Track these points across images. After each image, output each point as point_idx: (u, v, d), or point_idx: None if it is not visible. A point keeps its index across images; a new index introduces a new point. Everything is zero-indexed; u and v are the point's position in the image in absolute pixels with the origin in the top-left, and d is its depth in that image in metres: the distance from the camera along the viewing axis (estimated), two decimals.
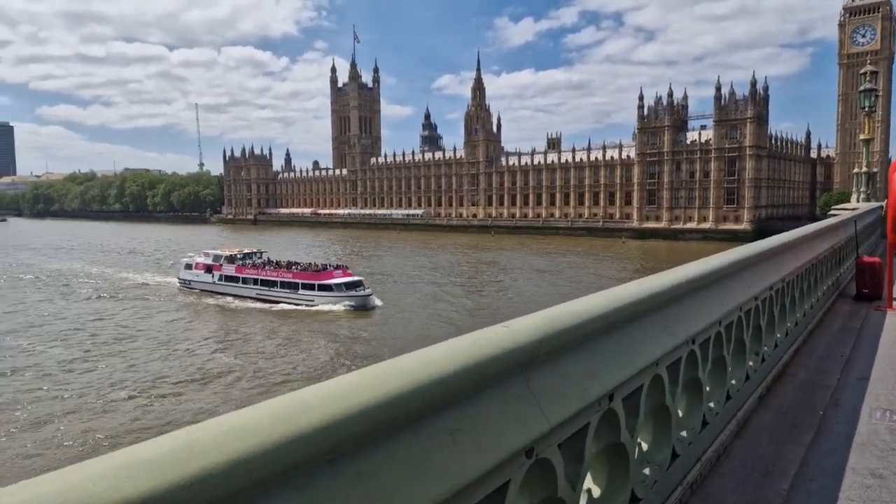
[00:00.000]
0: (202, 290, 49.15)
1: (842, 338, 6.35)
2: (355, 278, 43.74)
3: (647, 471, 2.76)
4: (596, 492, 2.45)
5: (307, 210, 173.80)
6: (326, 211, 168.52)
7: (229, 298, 46.60)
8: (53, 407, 21.70)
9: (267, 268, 47.76)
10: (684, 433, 3.14)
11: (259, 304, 43.89)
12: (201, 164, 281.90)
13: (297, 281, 44.13)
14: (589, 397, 2.09)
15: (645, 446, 2.85)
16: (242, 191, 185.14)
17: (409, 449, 1.34)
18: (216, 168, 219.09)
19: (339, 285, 42.05)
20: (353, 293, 41.62)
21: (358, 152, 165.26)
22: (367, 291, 42.55)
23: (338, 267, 46.76)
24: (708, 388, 3.55)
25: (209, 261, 50.93)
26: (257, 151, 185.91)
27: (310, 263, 48.52)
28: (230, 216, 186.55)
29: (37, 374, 25.59)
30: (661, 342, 2.68)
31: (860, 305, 8.38)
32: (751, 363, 4.24)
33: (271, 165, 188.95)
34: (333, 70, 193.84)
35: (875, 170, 23.16)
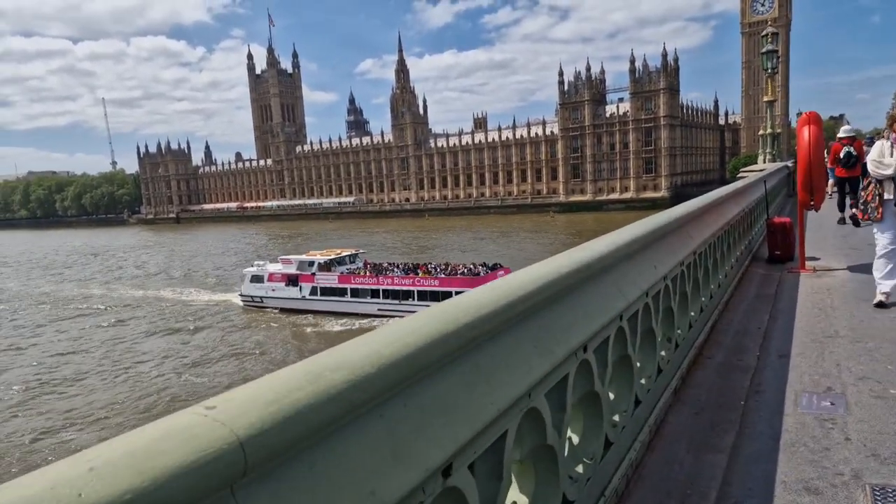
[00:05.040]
0: (283, 309, 37.09)
1: (758, 306, 6.00)
2: None
3: None
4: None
5: (233, 204, 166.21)
6: (253, 204, 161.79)
7: (330, 318, 34.42)
8: None
9: (392, 274, 35.75)
10: (580, 467, 2.44)
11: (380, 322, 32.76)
12: (114, 163, 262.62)
13: (448, 290, 31.24)
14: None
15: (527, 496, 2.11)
16: (161, 188, 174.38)
17: None
18: (131, 166, 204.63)
19: None
20: None
21: (282, 141, 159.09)
22: None
23: (494, 267, 34.25)
24: (612, 397, 2.88)
25: (292, 269, 38.70)
26: (175, 146, 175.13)
27: (447, 264, 36.80)
28: (150, 216, 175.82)
29: None
30: (531, 365, 1.92)
31: (773, 268, 8.22)
32: (663, 353, 3.63)
33: (191, 160, 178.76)
34: (250, 57, 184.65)
35: (778, 131, 24.14)
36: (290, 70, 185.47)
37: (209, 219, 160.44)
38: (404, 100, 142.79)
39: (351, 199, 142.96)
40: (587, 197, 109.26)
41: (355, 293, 35.89)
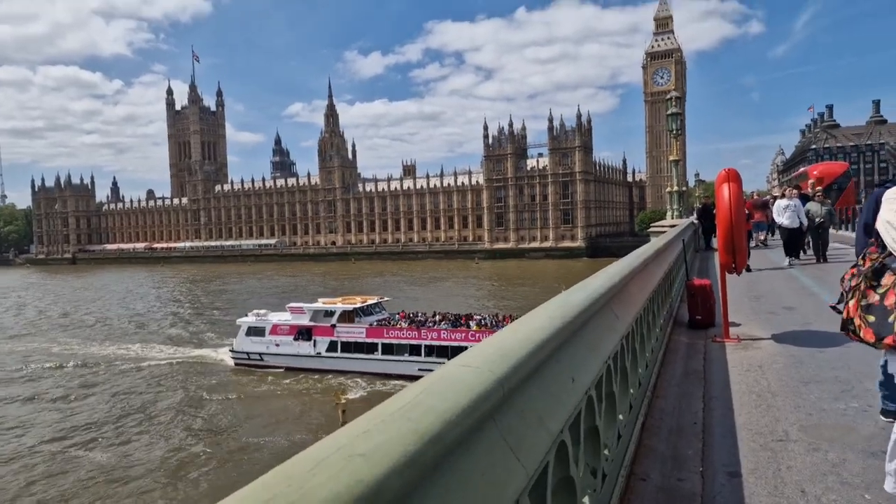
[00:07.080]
0: (290, 368, 31.57)
1: (688, 390, 5.13)
2: None
3: None
4: None
5: (140, 245, 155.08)
6: (164, 245, 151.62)
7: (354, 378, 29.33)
8: None
9: (439, 327, 30.41)
10: None
11: None
12: (3, 197, 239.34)
13: None
14: None
15: None
16: (57, 226, 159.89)
17: None
18: (24, 201, 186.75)
19: None
20: None
21: (200, 179, 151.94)
22: None
23: None
24: None
25: (304, 320, 32.76)
26: (77, 180, 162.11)
27: (497, 314, 32.61)
28: (41, 255, 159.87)
29: None
30: None
31: (696, 335, 7.56)
32: (585, 500, 2.50)
33: (94, 196, 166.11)
34: (170, 92, 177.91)
35: (684, 188, 25.21)
36: (213, 108, 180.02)
37: (112, 259, 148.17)
38: (333, 143, 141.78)
39: (273, 241, 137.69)
40: (510, 245, 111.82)
41: (388, 349, 30.34)
